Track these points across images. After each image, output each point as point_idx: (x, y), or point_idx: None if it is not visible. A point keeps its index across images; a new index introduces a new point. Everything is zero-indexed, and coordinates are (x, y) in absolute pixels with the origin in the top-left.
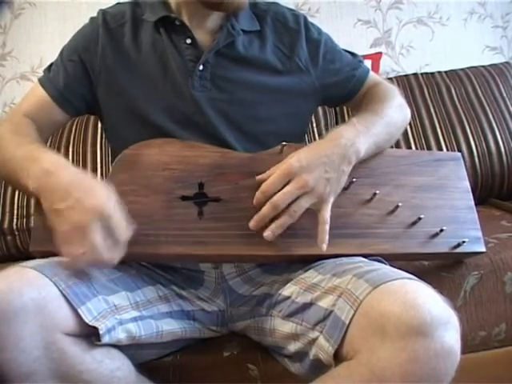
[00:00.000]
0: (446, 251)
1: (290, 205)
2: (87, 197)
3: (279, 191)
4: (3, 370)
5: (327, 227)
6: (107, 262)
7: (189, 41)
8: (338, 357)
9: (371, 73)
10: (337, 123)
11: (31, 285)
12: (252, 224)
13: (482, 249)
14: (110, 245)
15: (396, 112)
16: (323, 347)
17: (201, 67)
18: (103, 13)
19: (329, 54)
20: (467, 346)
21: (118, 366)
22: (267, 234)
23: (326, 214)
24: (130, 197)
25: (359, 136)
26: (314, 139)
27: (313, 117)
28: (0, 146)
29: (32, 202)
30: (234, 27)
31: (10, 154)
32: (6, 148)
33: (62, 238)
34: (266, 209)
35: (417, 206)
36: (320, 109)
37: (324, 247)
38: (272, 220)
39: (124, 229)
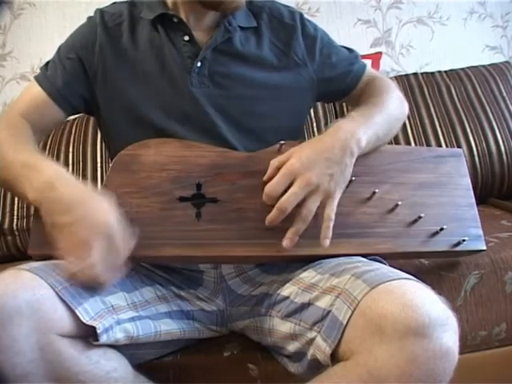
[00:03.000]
0: (446, 249)
1: (298, 205)
2: (90, 213)
3: (284, 192)
4: None
5: (331, 224)
6: (104, 283)
7: (186, 38)
8: (335, 357)
9: (368, 68)
10: None
11: (26, 287)
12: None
13: (483, 246)
14: (109, 263)
15: (395, 104)
16: (320, 347)
17: (199, 64)
18: (101, 12)
19: (325, 49)
20: (468, 346)
21: (115, 366)
22: (285, 242)
23: (331, 211)
24: (127, 199)
25: (359, 127)
26: None
27: (313, 116)
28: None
29: None
30: (231, 23)
31: (8, 160)
32: (6, 153)
33: (61, 252)
34: (273, 213)
35: (417, 204)
36: (320, 108)
37: (326, 243)
38: (283, 221)
39: (125, 248)
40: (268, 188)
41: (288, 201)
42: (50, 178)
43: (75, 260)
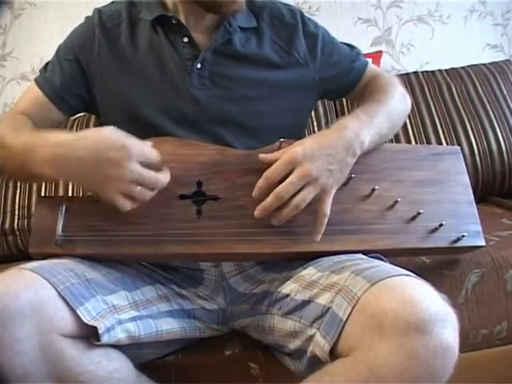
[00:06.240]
0: (445, 245)
1: (293, 195)
2: (106, 155)
3: (282, 180)
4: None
5: (325, 220)
6: (163, 182)
7: (186, 39)
8: (334, 354)
9: (370, 65)
10: None
11: (28, 287)
12: (256, 213)
13: (482, 243)
14: (153, 168)
15: (398, 101)
16: (319, 344)
17: (199, 65)
18: (99, 12)
19: (327, 48)
20: (469, 344)
21: (117, 367)
22: (274, 221)
23: (326, 207)
24: None
25: (363, 127)
26: None
27: (313, 115)
28: (3, 145)
29: (33, 200)
30: (232, 24)
31: (13, 147)
32: (9, 146)
33: (116, 200)
34: (270, 199)
35: (416, 201)
36: (320, 107)
37: (318, 238)
38: (277, 209)
39: (151, 149)
40: (267, 173)
41: (285, 189)
42: (56, 148)
43: (136, 190)
